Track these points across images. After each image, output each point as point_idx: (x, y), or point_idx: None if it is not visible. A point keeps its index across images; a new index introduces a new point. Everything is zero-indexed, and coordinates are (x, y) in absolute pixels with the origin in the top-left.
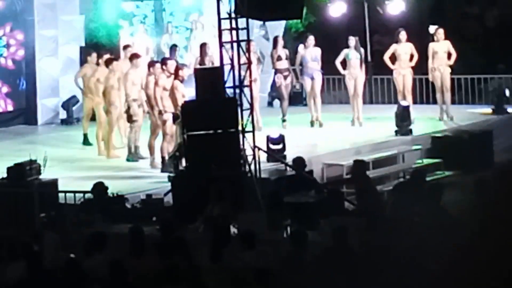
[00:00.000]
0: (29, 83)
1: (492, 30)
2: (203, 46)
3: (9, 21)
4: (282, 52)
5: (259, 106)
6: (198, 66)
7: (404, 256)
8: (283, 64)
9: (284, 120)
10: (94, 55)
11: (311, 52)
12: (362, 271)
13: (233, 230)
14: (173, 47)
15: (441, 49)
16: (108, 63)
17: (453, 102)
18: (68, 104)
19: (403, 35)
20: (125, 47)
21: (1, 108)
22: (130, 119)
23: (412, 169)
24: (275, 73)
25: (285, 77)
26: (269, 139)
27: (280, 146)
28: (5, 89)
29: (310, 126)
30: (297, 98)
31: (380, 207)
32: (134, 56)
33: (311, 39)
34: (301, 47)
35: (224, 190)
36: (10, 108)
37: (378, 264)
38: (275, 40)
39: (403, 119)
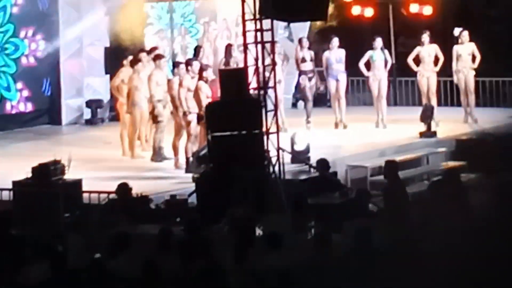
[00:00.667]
0: (53, 83)
1: None
2: (228, 47)
3: (33, 24)
4: (307, 53)
5: (283, 108)
6: (223, 67)
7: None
8: (308, 65)
9: (308, 122)
10: (130, 58)
11: (335, 54)
12: (386, 273)
13: (258, 231)
14: (197, 48)
15: (465, 52)
16: (133, 63)
17: (477, 105)
18: (92, 103)
19: (427, 37)
20: (152, 49)
21: (24, 108)
22: (155, 119)
23: (439, 171)
24: (300, 75)
25: (310, 79)
26: (293, 140)
27: (304, 148)
28: (25, 93)
29: (334, 127)
30: (321, 100)
31: (408, 209)
32: (158, 57)
33: (335, 41)
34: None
35: (248, 191)
36: (29, 108)
37: (403, 266)
38: (300, 41)
39: (427, 121)
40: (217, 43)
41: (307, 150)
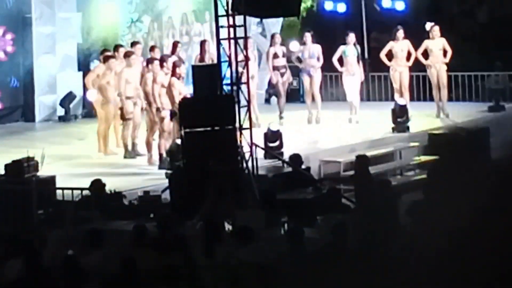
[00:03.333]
0: (26, 80)
1: (486, 27)
2: (203, 43)
3: (3, 23)
4: (279, 49)
5: (257, 103)
6: (197, 63)
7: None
8: (280, 61)
9: (281, 117)
10: (122, 49)
11: (309, 49)
12: (360, 267)
13: (228, 226)
14: (175, 43)
15: (437, 47)
16: (105, 60)
17: (450, 99)
18: (65, 102)
19: (400, 33)
20: (134, 43)
21: None
22: (123, 117)
23: (411, 165)
24: (273, 70)
25: (282, 74)
26: (267, 136)
27: (277, 143)
28: None
29: (307, 123)
30: (294, 95)
31: (380, 204)
32: (128, 54)
33: (307, 36)
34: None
35: (221, 186)
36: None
37: (377, 261)
38: (273, 37)
39: (399, 116)
40: (163, 41)
41: (280, 146)
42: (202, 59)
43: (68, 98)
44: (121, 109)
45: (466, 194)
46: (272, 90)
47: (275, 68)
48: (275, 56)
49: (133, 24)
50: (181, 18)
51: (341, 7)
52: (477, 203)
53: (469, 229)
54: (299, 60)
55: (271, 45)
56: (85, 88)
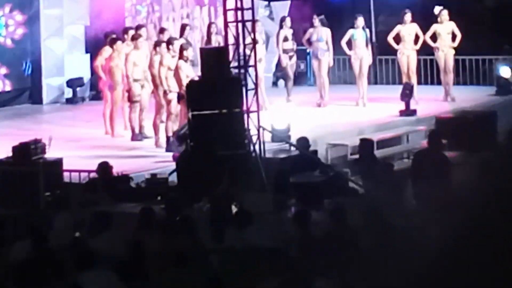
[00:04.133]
0: (34, 62)
1: (494, 10)
2: (209, 25)
3: (9, 2)
4: (289, 32)
5: (264, 86)
6: (203, 46)
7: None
8: (289, 44)
9: (289, 100)
10: (131, 32)
11: (317, 32)
12: (362, 252)
13: (235, 209)
14: (183, 26)
15: (445, 31)
16: (111, 43)
17: (457, 83)
18: (73, 84)
19: (408, 16)
20: (139, 27)
21: (3, 87)
22: (130, 99)
23: (419, 149)
24: (283, 53)
25: (291, 57)
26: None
27: (284, 126)
28: (3, 70)
29: (316, 106)
30: (302, 78)
31: (383, 187)
32: (135, 37)
33: (316, 19)
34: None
35: (228, 169)
36: (8, 87)
37: (380, 246)
38: (283, 20)
39: (407, 99)
40: (163, 24)
41: (287, 129)
42: (208, 41)
43: (76, 82)
44: (129, 91)
45: (472, 179)
46: (279, 73)
47: (284, 51)
48: (285, 39)
49: (133, 7)
50: (181, 1)
51: None
52: (481, 190)
53: (472, 218)
54: (309, 43)
55: (281, 28)
56: (93, 71)
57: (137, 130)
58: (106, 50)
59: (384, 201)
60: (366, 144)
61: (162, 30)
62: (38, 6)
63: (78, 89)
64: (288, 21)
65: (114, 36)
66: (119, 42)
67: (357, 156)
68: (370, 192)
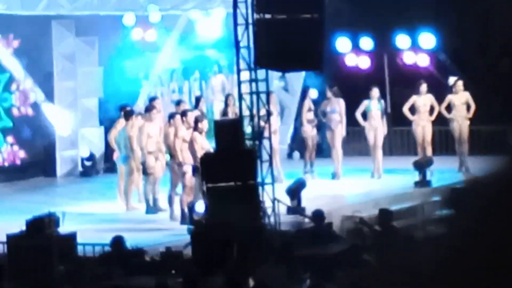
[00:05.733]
0: (48, 134)
1: (509, 78)
2: (228, 97)
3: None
4: (311, 103)
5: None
6: (221, 117)
7: None
8: (312, 115)
9: (312, 171)
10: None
11: (331, 104)
12: None
13: (252, 283)
14: (198, 98)
15: (460, 101)
16: (126, 115)
17: (472, 154)
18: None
19: (423, 87)
20: (152, 98)
21: (13, 160)
22: (145, 171)
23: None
24: (307, 123)
25: (313, 128)
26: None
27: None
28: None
29: (331, 178)
30: (317, 150)
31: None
32: (149, 109)
33: (329, 91)
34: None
35: (243, 242)
36: (23, 160)
37: None
38: (305, 91)
39: (422, 171)
40: None
41: (299, 201)
42: (226, 113)
43: (91, 158)
44: (143, 164)
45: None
46: (294, 144)
47: (308, 121)
48: (309, 109)
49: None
50: (171, 76)
51: (364, 62)
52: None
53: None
54: (323, 114)
55: (304, 99)
56: (107, 144)
57: (151, 203)
58: (120, 123)
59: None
60: (384, 215)
61: (178, 102)
62: (52, 79)
63: (88, 164)
64: (310, 92)
65: (128, 108)
66: (134, 116)
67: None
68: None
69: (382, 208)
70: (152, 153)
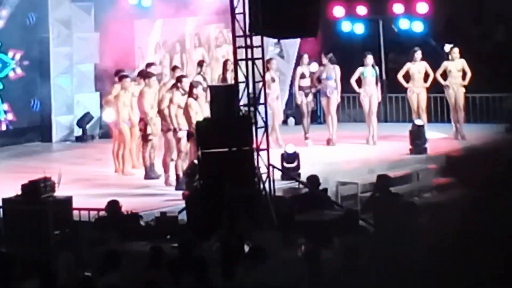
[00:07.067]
0: (43, 100)
1: (504, 47)
2: (225, 62)
3: (22, 47)
4: (306, 69)
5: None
6: (219, 83)
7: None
8: (306, 81)
9: (306, 138)
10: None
11: (327, 71)
12: None
13: (247, 248)
14: (200, 62)
15: (456, 68)
16: (120, 80)
17: (468, 121)
18: (82, 122)
19: (418, 54)
20: (149, 64)
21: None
22: (145, 137)
23: (429, 187)
24: (298, 90)
25: (306, 95)
26: (284, 157)
27: (294, 164)
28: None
29: (326, 144)
30: (312, 116)
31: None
32: (147, 75)
33: (324, 58)
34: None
35: (238, 208)
36: (19, 124)
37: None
38: (300, 57)
39: (417, 138)
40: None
41: (297, 167)
42: (224, 79)
43: (85, 119)
44: (142, 130)
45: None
46: (290, 111)
47: (300, 88)
48: (302, 76)
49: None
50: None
51: (359, 29)
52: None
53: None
54: (318, 81)
55: (298, 65)
56: (102, 109)
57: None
58: (116, 88)
59: (396, 239)
60: (382, 180)
61: (174, 68)
62: (48, 44)
63: (88, 126)
64: (305, 58)
65: (123, 73)
66: (126, 79)
67: (369, 193)
68: (384, 230)
69: (381, 174)
70: (151, 119)
